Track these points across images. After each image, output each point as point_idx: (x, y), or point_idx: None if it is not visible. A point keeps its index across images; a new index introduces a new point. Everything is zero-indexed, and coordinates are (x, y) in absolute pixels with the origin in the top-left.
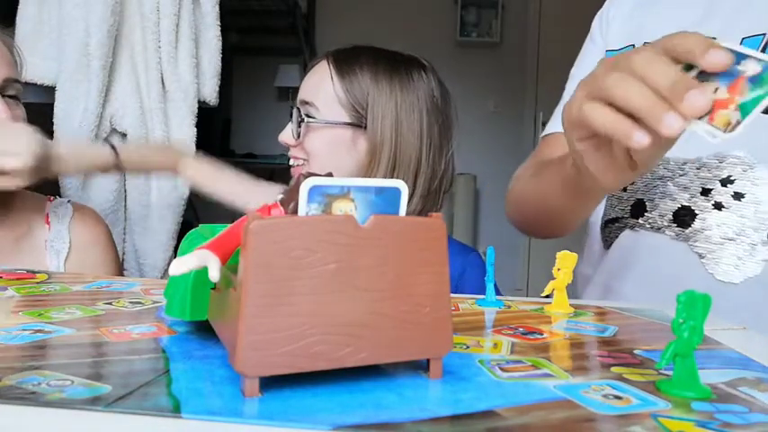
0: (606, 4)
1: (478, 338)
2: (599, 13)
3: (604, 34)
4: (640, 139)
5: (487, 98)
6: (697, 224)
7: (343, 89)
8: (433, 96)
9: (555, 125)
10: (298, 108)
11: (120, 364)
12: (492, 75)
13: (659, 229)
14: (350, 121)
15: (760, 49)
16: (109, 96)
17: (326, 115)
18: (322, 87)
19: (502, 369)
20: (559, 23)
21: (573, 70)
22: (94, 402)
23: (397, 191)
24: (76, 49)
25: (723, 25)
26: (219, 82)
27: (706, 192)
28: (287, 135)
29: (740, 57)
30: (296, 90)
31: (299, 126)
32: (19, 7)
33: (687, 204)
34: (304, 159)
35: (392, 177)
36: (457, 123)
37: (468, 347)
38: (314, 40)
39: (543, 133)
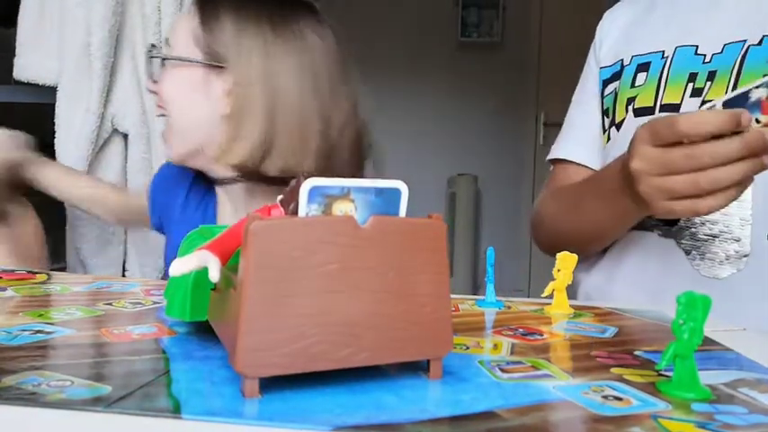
0: (597, 32)
1: (478, 339)
2: (592, 44)
3: (597, 56)
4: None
5: (489, 98)
6: (682, 221)
7: (200, 26)
8: (319, 41)
9: (564, 150)
10: (153, 51)
11: (120, 365)
12: (493, 75)
13: (648, 227)
14: (201, 60)
15: (741, 54)
16: (110, 96)
17: (179, 53)
18: (180, 25)
19: (502, 370)
20: (561, 24)
21: (575, 96)
22: (95, 403)
23: (397, 191)
24: (78, 48)
25: (703, 35)
26: None
27: None
28: (149, 82)
29: (744, 97)
30: None
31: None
32: (20, 7)
33: None
34: (163, 108)
35: (272, 129)
36: (357, 74)
37: (468, 348)
38: None
39: (553, 156)
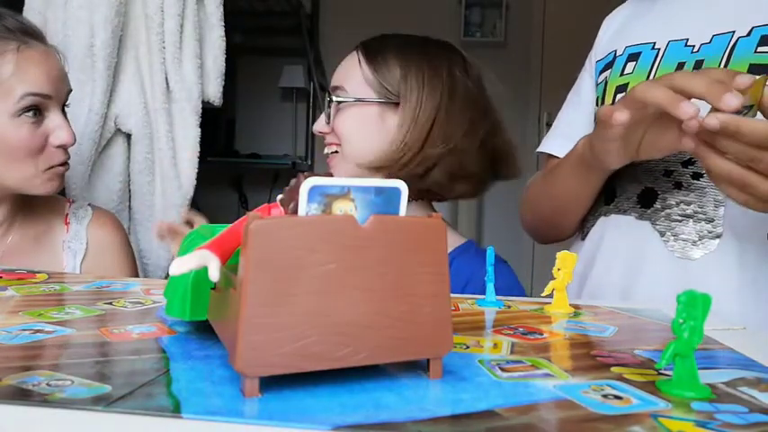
0: (597, 36)
1: (478, 338)
2: (592, 48)
3: (594, 55)
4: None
5: (491, 98)
6: (658, 203)
7: (371, 71)
8: (465, 81)
9: (551, 145)
10: (328, 92)
11: (120, 364)
12: (496, 75)
13: (625, 211)
14: (378, 99)
15: (730, 45)
16: (113, 97)
17: (355, 95)
18: (351, 72)
19: (502, 369)
20: (564, 23)
21: (569, 96)
22: (95, 402)
23: (397, 191)
24: (81, 49)
25: (693, 28)
26: (223, 82)
27: (668, 173)
28: (320, 124)
29: None
30: (300, 90)
31: (329, 108)
32: (24, 8)
33: (651, 186)
34: (338, 145)
35: (426, 152)
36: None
37: (468, 347)
38: (318, 41)
39: (542, 149)
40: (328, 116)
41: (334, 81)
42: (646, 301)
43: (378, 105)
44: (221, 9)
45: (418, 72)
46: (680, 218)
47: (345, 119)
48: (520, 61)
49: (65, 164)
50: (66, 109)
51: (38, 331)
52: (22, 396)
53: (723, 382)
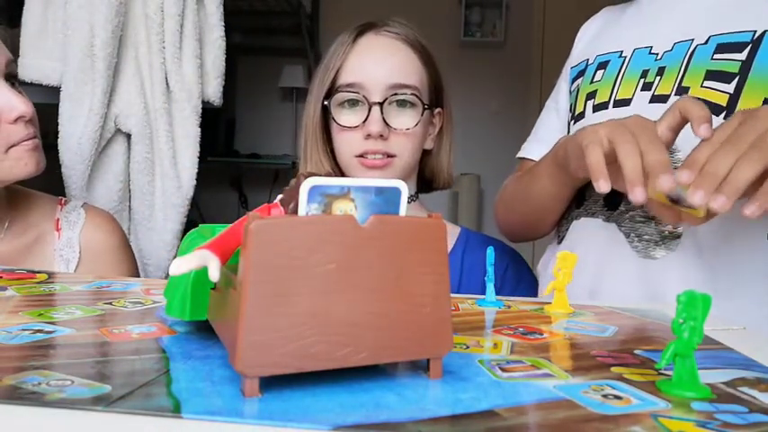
0: (575, 42)
1: (478, 338)
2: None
3: (570, 60)
4: (601, 188)
5: (491, 98)
6: (623, 206)
7: (428, 75)
8: None
9: (528, 150)
10: (414, 93)
11: (120, 364)
12: (496, 75)
13: (594, 213)
14: (429, 108)
15: (689, 52)
16: (113, 97)
17: (425, 101)
18: (415, 72)
19: (502, 369)
20: (564, 24)
21: (548, 102)
22: (95, 402)
23: (397, 191)
24: (81, 49)
25: (657, 36)
26: (223, 82)
27: None
28: (382, 124)
29: None
30: (300, 90)
31: (421, 114)
32: (24, 8)
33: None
34: (390, 156)
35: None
36: None
37: (468, 347)
38: (318, 41)
39: (522, 155)
40: (416, 124)
41: (400, 77)
42: (611, 301)
43: (429, 112)
44: (221, 9)
45: (443, 81)
46: (643, 219)
47: (420, 128)
48: (520, 61)
49: (31, 138)
50: (23, 86)
51: (38, 331)
52: (22, 396)
53: (723, 382)
